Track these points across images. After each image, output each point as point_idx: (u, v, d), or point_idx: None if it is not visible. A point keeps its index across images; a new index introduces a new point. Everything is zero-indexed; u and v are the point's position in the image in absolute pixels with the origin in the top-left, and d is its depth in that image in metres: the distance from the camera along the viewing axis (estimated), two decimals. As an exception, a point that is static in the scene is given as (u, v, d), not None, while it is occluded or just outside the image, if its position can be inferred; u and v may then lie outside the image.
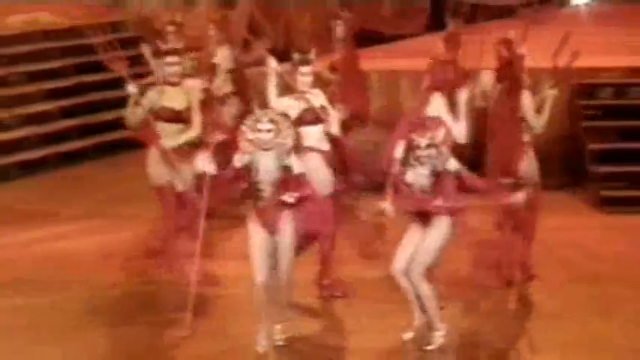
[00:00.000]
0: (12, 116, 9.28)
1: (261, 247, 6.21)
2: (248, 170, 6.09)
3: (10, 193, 9.43)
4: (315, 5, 12.56)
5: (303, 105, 6.91)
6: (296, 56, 7.12)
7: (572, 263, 7.73)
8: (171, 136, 7.06)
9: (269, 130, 6.00)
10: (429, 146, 6.06)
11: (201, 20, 12.10)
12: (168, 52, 7.25)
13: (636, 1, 13.95)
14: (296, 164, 6.18)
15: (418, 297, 6.35)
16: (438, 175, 6.12)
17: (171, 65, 7.08)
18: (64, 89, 10.66)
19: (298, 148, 6.62)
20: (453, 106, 7.23)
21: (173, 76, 7.08)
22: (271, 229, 6.17)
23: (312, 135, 6.94)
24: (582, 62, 7.64)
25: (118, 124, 8.66)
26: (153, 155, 7.15)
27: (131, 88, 7.25)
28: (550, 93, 7.04)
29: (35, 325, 6.82)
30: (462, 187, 6.12)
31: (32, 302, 7.20)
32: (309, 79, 6.91)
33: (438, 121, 6.28)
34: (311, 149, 6.93)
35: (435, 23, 12.51)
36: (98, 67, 8.76)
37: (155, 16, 12.19)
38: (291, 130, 6.26)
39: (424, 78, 7.66)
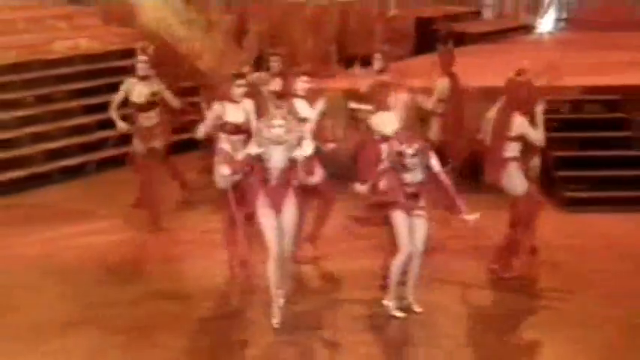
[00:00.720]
0: (56, 128, 9.31)
1: (272, 226, 6.30)
2: (259, 159, 6.21)
3: (54, 194, 9.40)
4: (316, 33, 12.59)
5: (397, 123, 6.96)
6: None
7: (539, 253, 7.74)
8: (234, 146, 7.14)
9: (281, 126, 6.14)
10: (413, 155, 6.27)
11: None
12: (236, 76, 7.34)
13: (590, 29, 13.99)
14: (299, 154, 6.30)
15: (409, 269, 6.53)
16: (428, 169, 6.35)
17: (239, 87, 7.19)
18: (99, 105, 10.59)
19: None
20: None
21: (238, 96, 7.20)
22: (278, 207, 6.29)
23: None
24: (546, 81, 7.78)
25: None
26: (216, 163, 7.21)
27: (203, 104, 7.61)
28: (539, 109, 7.04)
29: (76, 308, 6.86)
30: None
31: (73, 290, 7.24)
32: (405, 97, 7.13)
33: (415, 135, 6.49)
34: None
35: (421, 48, 12.61)
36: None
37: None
38: (299, 127, 6.43)
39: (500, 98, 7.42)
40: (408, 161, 6.27)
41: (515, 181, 7.06)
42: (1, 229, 8.53)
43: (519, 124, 6.95)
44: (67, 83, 9.88)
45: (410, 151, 6.27)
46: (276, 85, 8.35)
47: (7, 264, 7.72)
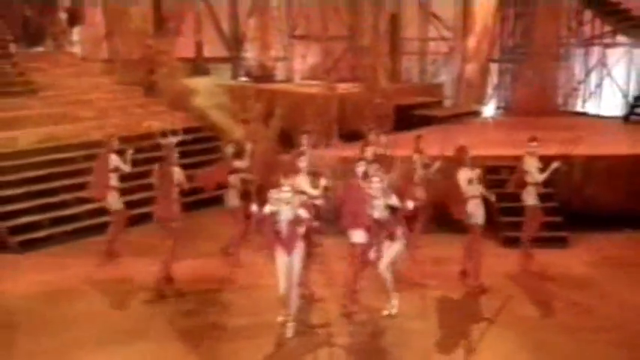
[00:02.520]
0: (137, 185, 9.39)
1: (283, 265, 6.35)
2: (273, 215, 6.27)
3: (135, 233, 9.37)
4: (323, 114, 12.72)
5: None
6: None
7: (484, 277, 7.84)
8: None
9: (288, 191, 6.27)
10: (379, 182, 6.40)
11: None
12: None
13: (521, 114, 14.14)
14: (303, 212, 6.38)
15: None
16: (391, 209, 6.39)
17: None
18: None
19: None
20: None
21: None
22: (289, 252, 6.31)
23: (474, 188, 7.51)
24: (490, 152, 7.94)
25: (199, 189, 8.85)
26: None
27: None
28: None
29: (142, 319, 6.89)
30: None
31: (139, 305, 7.31)
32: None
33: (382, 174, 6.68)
34: (474, 197, 7.49)
35: (398, 127, 12.77)
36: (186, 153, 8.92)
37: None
38: (298, 194, 6.50)
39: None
40: (373, 186, 6.35)
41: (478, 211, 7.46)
42: (91, 259, 8.64)
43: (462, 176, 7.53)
44: (144, 153, 10.02)
45: (376, 178, 6.40)
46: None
47: (89, 285, 7.79)
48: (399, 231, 6.51)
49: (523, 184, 8.41)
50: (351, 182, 7.08)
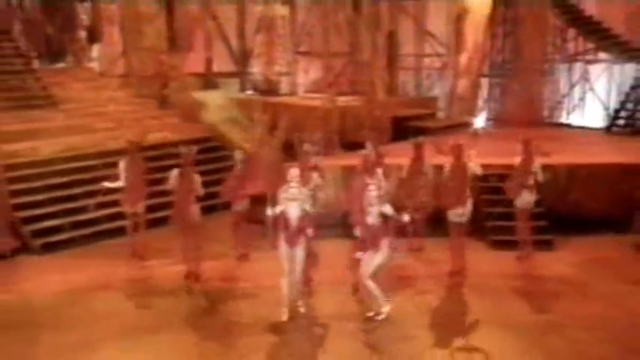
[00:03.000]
0: (150, 191, 9.40)
1: (286, 258, 6.46)
2: (282, 213, 6.36)
3: (149, 236, 9.37)
4: (325, 126, 12.76)
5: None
6: None
7: (470, 277, 7.94)
8: None
9: (294, 188, 6.38)
10: (375, 190, 6.38)
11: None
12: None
13: (509, 125, 14.14)
14: (310, 208, 6.46)
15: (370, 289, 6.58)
16: (383, 216, 6.34)
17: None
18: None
19: None
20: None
21: None
22: (292, 246, 6.41)
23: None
24: (479, 160, 8.01)
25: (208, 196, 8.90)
26: None
27: None
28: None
29: (159, 314, 6.96)
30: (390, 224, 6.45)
31: (156, 302, 7.37)
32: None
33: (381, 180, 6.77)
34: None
35: (395, 137, 12.84)
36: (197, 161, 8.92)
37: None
38: (307, 190, 6.60)
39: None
40: (370, 194, 6.32)
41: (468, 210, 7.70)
42: (110, 260, 8.69)
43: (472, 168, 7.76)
44: (157, 161, 10.07)
45: (373, 184, 6.42)
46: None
47: (110, 285, 7.85)
48: (384, 243, 6.37)
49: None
50: (358, 178, 7.12)
